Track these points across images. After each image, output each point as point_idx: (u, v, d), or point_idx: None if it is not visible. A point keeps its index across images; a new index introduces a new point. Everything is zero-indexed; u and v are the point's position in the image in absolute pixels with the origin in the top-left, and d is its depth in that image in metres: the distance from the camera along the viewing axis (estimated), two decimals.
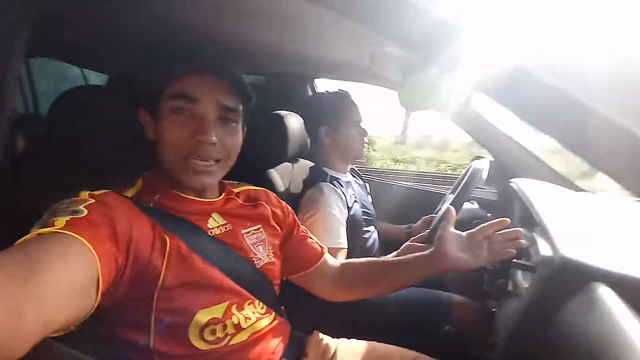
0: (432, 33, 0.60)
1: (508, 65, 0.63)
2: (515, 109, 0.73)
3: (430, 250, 0.72)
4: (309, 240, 0.82)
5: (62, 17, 0.73)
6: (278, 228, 0.77)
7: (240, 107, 0.65)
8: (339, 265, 0.84)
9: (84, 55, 1.15)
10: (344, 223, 1.06)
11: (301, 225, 0.84)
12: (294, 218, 0.83)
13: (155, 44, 0.64)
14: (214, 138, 0.60)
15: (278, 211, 0.79)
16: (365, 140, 1.22)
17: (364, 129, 1.21)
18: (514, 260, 0.68)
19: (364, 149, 1.22)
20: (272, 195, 0.82)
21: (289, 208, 0.83)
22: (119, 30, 0.86)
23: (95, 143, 0.66)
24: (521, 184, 0.97)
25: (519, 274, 0.69)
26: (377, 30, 0.64)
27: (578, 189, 1.08)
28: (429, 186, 1.83)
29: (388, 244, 1.28)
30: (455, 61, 0.63)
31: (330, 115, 1.18)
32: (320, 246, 0.83)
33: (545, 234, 0.66)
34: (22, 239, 0.41)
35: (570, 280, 0.53)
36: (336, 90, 1.23)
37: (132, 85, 0.66)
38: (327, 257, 0.83)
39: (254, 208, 0.75)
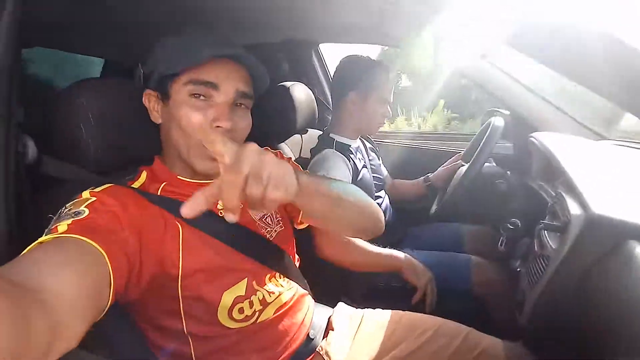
0: None
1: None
2: (540, 57, 0.67)
3: None
4: None
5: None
6: None
7: (253, 93, 0.64)
8: None
9: (84, 40, 1.09)
10: None
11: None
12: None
13: (170, 24, 0.60)
14: (231, 124, 0.59)
15: None
16: (384, 121, 1.16)
17: (389, 110, 1.14)
18: (541, 221, 0.65)
19: (379, 128, 1.17)
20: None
21: (286, 158, 0.79)
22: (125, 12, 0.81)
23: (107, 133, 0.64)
24: (542, 138, 0.92)
25: (545, 233, 0.67)
26: None
27: (601, 138, 1.03)
28: (441, 145, 1.78)
29: (407, 203, 1.33)
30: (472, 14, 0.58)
31: (365, 81, 1.09)
32: None
33: (572, 191, 0.63)
34: (27, 248, 0.41)
35: (604, 239, 0.51)
36: (377, 59, 1.14)
37: (143, 67, 0.62)
38: None
39: None
